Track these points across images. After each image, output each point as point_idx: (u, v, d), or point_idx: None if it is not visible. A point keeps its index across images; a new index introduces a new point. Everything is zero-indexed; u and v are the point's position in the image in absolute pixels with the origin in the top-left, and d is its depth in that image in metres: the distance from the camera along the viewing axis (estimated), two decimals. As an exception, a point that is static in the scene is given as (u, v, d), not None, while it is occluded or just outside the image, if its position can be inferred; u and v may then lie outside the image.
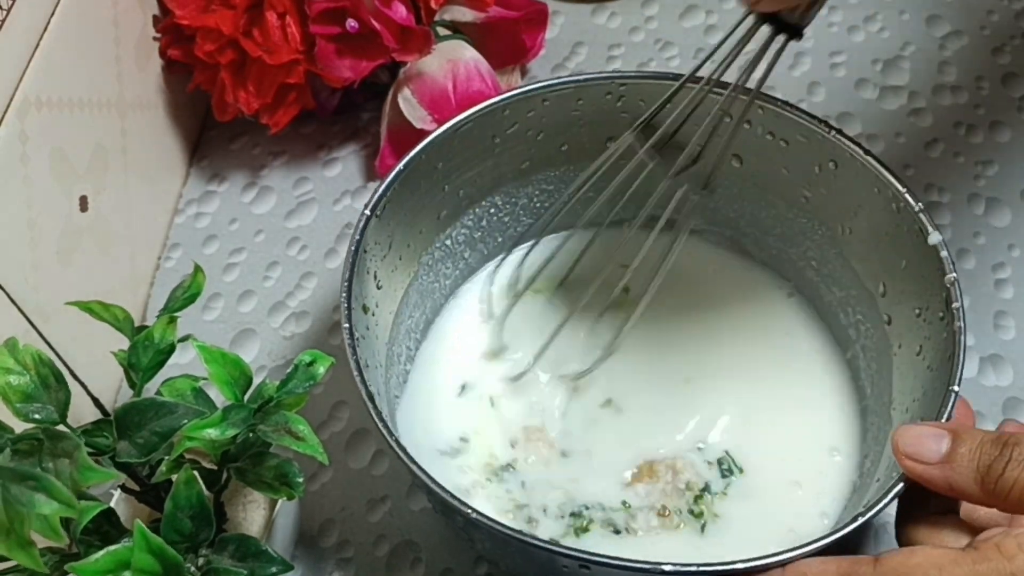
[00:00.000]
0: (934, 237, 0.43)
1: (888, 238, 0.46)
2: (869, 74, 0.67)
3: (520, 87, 0.50)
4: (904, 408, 0.44)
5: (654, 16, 0.71)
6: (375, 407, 0.40)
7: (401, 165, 0.47)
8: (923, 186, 0.61)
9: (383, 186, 0.46)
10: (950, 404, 0.39)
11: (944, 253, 0.43)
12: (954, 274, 0.42)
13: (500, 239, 0.55)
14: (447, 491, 0.38)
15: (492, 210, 0.54)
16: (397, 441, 0.40)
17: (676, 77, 0.48)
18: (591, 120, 0.51)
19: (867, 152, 0.46)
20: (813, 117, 0.47)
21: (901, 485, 0.38)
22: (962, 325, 0.41)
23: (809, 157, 0.48)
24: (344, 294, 0.43)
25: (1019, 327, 0.55)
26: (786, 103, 0.48)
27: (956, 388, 0.40)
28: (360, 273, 0.45)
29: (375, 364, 0.46)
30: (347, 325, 0.42)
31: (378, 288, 0.47)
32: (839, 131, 0.47)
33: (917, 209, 0.44)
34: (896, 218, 0.45)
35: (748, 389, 0.50)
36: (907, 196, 0.45)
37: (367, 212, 0.46)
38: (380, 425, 0.40)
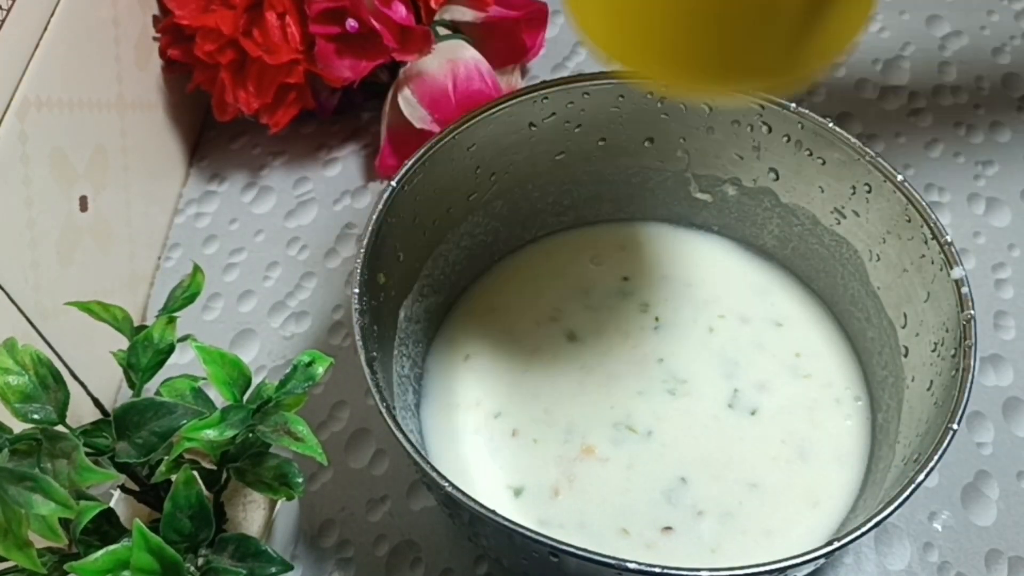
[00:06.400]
0: (957, 272, 0.43)
1: (914, 268, 0.46)
2: (869, 74, 0.67)
3: (563, 78, 0.50)
4: (907, 443, 0.44)
5: (654, 16, 0.71)
6: (372, 370, 0.41)
7: (433, 141, 0.47)
8: (923, 186, 0.61)
9: (412, 160, 0.47)
10: (946, 441, 0.39)
11: (965, 290, 0.42)
12: (972, 312, 0.42)
13: (529, 228, 0.56)
14: (421, 454, 0.39)
15: (524, 198, 0.54)
16: (388, 407, 0.40)
17: None
18: (631, 118, 0.51)
19: (903, 180, 0.46)
20: (850, 138, 0.47)
21: (881, 516, 0.37)
22: (971, 364, 0.41)
23: (844, 178, 0.48)
24: (358, 261, 0.44)
25: (1019, 327, 0.55)
26: (826, 121, 0.47)
27: (955, 427, 0.39)
28: (379, 242, 0.45)
29: (385, 334, 0.46)
30: (357, 291, 0.43)
31: (397, 260, 0.48)
32: (876, 155, 0.47)
33: (945, 242, 0.44)
34: (923, 249, 0.45)
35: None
36: (936, 228, 0.44)
37: (393, 184, 0.46)
38: (372, 384, 0.40)
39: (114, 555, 0.35)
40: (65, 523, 0.35)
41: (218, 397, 0.39)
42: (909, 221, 0.46)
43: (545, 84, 0.49)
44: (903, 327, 0.47)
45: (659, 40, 0.27)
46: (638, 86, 0.49)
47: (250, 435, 0.38)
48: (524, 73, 0.68)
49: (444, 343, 0.53)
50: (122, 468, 0.38)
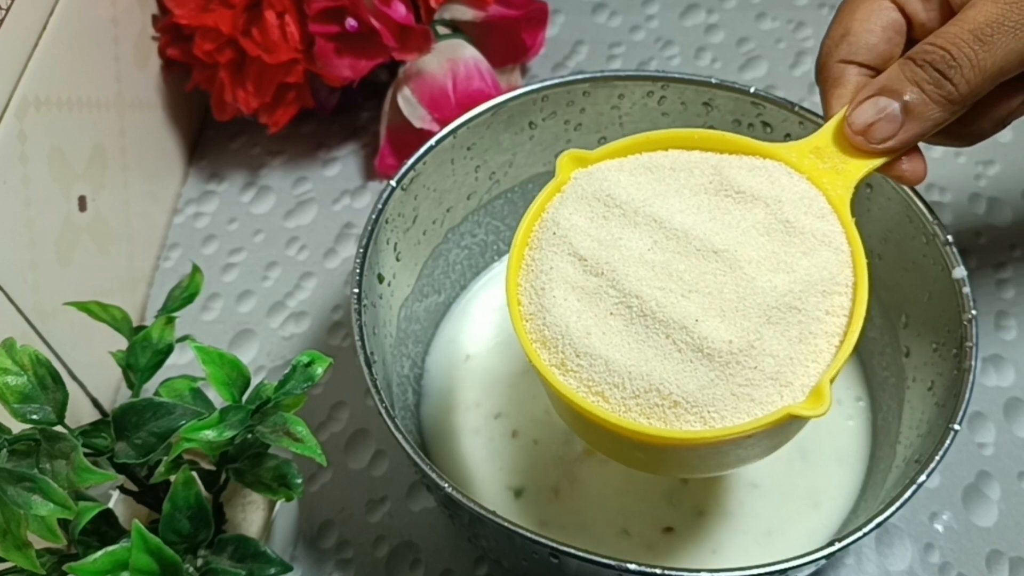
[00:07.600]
0: (958, 272, 0.43)
1: (915, 268, 0.46)
2: (870, 73, 0.67)
3: (563, 78, 0.50)
4: (908, 443, 0.44)
5: (655, 15, 0.71)
6: (371, 370, 0.41)
7: (433, 141, 0.47)
8: (924, 186, 0.61)
9: (412, 159, 0.47)
10: (948, 442, 0.39)
11: (966, 290, 0.42)
12: (973, 312, 0.42)
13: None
14: (421, 455, 0.39)
15: (524, 198, 0.54)
16: (388, 407, 0.40)
17: (720, 84, 0.48)
18: (631, 118, 0.51)
19: None
20: None
21: (883, 517, 0.37)
22: (972, 364, 0.40)
23: None
24: (358, 260, 0.44)
25: (1020, 327, 0.55)
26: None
27: (957, 427, 0.39)
28: (378, 241, 0.45)
29: (384, 334, 0.46)
30: (356, 291, 0.43)
31: (397, 260, 0.48)
32: None
33: (945, 242, 0.44)
34: (924, 249, 0.45)
35: None
36: (936, 228, 0.44)
37: (392, 183, 0.46)
38: (371, 385, 0.40)
39: (113, 556, 0.35)
40: (64, 524, 0.35)
41: (217, 398, 0.38)
42: (910, 221, 0.45)
43: (544, 84, 0.49)
44: (904, 327, 0.47)
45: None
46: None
47: (249, 436, 0.38)
48: (524, 72, 0.68)
49: (444, 343, 0.53)
50: (121, 469, 0.38)
